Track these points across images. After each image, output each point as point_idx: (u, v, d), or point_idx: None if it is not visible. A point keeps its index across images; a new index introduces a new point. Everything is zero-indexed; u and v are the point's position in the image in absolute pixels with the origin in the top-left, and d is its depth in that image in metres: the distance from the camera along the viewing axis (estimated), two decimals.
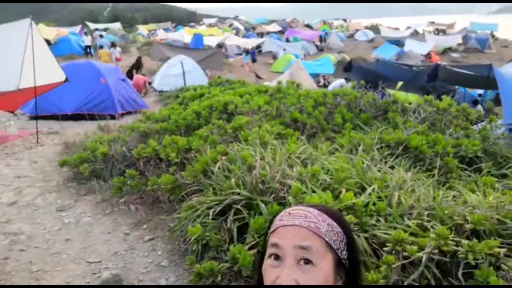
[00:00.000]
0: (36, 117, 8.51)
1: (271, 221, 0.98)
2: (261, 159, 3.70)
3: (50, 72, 7.70)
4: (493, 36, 37.41)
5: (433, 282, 2.48)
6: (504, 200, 3.06)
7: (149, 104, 11.74)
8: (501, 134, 5.42)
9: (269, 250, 0.92)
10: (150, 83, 15.45)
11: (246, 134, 4.41)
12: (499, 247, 2.48)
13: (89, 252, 3.68)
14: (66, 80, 8.13)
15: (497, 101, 14.02)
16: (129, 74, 16.43)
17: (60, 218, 4.43)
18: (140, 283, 3.18)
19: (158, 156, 4.76)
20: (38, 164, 6.48)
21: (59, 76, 7.94)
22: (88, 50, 25.44)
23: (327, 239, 0.90)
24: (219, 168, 3.84)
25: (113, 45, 21.20)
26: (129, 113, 10.41)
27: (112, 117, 9.67)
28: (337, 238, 0.92)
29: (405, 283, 2.44)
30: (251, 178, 3.41)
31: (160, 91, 14.29)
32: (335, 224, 0.94)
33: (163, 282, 3.17)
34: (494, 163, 4.62)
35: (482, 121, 5.84)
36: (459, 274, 2.49)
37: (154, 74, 16.59)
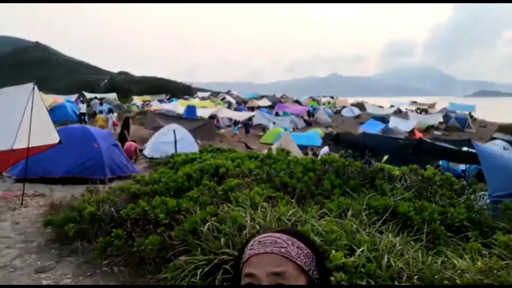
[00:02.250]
0: (23, 180, 8.43)
1: (242, 251, 1.02)
2: (251, 220, 3.71)
3: (46, 134, 7.83)
4: (471, 116, 39.36)
5: None
6: (493, 265, 3.08)
7: (139, 170, 11.78)
8: (486, 204, 5.55)
9: (244, 280, 0.95)
10: (141, 150, 15.62)
11: (237, 196, 4.45)
12: None
13: None
14: (60, 142, 8.23)
15: (479, 177, 14.41)
16: (121, 137, 16.78)
17: (37, 280, 4.23)
18: None
19: (147, 217, 4.71)
20: (20, 225, 6.32)
21: (53, 138, 8.05)
22: (82, 117, 25.92)
23: (298, 262, 0.95)
24: (208, 228, 3.82)
25: (110, 111, 21.91)
26: (119, 178, 10.40)
27: (102, 182, 9.61)
28: (308, 259, 0.97)
29: None
30: (241, 238, 3.39)
31: (150, 158, 14.40)
32: (303, 246, 0.99)
33: None
34: (480, 233, 4.68)
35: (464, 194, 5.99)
36: None
37: (146, 142, 16.84)
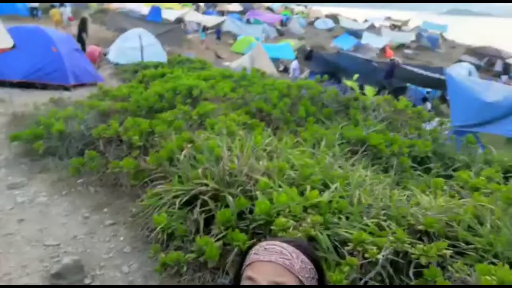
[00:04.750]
0: None
1: (246, 253, 1.05)
2: (228, 150, 3.72)
3: None
4: (442, 36, 39.42)
5: (387, 280, 2.69)
6: (453, 204, 3.34)
7: (104, 77, 11.20)
8: (450, 136, 5.84)
9: (244, 282, 0.98)
10: (105, 54, 14.71)
11: (213, 122, 4.39)
12: (446, 249, 2.73)
13: (46, 234, 3.53)
14: (14, 47, 7.51)
15: (442, 99, 15.05)
16: (79, 39, 15.41)
17: (11, 196, 4.18)
18: (102, 269, 3.12)
19: (120, 137, 4.61)
20: None
21: (6, 42, 7.30)
22: (34, 12, 23.45)
23: (300, 277, 0.97)
24: (185, 156, 3.81)
25: (62, 4, 19.47)
26: (83, 84, 9.85)
27: (65, 89, 9.13)
28: (309, 275, 1.00)
29: (363, 281, 2.62)
30: (219, 170, 3.43)
31: (115, 64, 13.67)
32: (307, 260, 1.01)
33: (125, 268, 3.14)
34: (442, 164, 4.99)
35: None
36: (410, 272, 2.71)
37: (109, 45, 15.80)
